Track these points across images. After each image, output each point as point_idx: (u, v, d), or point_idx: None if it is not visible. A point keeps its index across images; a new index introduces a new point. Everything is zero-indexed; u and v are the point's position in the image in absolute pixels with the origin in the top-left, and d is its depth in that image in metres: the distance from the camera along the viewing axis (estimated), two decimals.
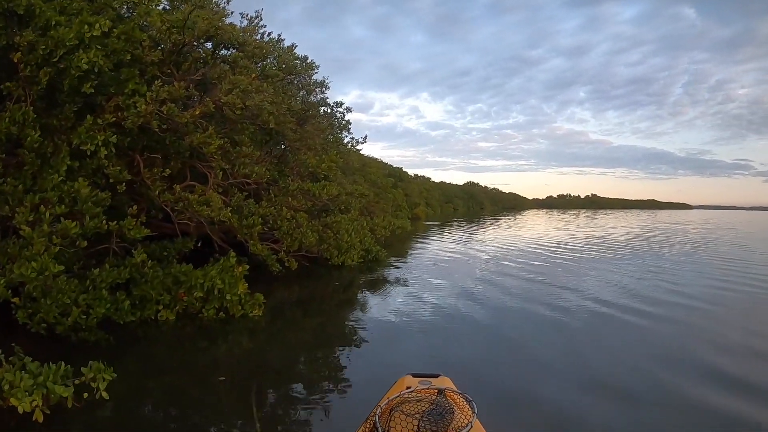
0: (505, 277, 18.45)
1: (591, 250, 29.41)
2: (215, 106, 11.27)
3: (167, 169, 11.47)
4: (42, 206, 8.35)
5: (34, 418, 5.48)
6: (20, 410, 5.42)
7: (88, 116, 9.71)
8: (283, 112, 13.60)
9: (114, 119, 10.18)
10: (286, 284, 14.61)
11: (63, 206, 8.53)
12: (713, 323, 12.22)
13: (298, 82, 18.74)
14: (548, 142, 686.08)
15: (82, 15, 9.25)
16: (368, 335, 10.57)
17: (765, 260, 26.76)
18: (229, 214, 11.28)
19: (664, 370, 8.74)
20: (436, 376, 4.80)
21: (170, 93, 10.41)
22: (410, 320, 11.80)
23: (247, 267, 11.11)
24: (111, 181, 10.08)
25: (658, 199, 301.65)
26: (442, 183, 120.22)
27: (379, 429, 3.79)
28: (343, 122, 22.73)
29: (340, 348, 9.89)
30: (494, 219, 77.84)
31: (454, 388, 4.37)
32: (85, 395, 5.82)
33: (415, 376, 4.79)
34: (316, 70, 18.95)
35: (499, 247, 30.47)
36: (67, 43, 9.06)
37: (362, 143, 24.90)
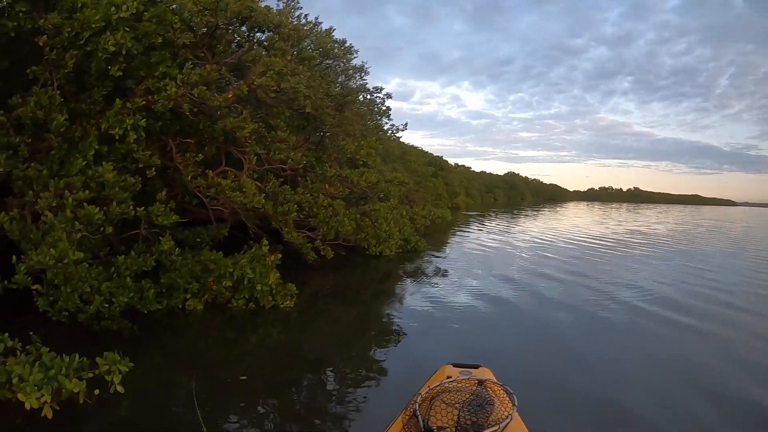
0: (545, 271, 17.96)
1: (633, 246, 28.37)
2: (249, 89, 10.86)
3: (200, 154, 11.09)
4: (66, 191, 8.11)
5: (43, 414, 5.12)
6: (27, 406, 5.06)
7: (117, 100, 9.38)
8: (321, 97, 13.19)
9: (144, 103, 9.84)
10: (321, 273, 14.23)
11: (87, 191, 8.26)
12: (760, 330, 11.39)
13: (336, 66, 18.31)
14: (591, 133, 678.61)
15: None
16: (406, 326, 10.31)
17: None
18: (263, 200, 10.87)
19: (702, 369, 8.61)
20: (476, 366, 4.91)
21: (202, 76, 10.05)
22: (449, 312, 11.55)
23: (280, 256, 10.64)
24: (140, 166, 9.72)
25: (701, 195, 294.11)
26: (483, 173, 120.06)
27: (419, 417, 3.90)
28: (383, 108, 22.31)
29: (377, 339, 9.70)
30: (534, 210, 77.19)
31: (495, 380, 4.51)
32: (96, 392, 5.45)
33: (455, 366, 4.92)
34: (354, 55, 18.54)
35: (539, 240, 29.89)
36: (93, 25, 8.77)
37: (402, 130, 24.49)
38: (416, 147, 63.65)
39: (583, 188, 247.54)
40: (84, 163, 8.67)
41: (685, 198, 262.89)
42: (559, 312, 12.06)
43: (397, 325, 10.50)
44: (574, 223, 49.79)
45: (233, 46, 13.05)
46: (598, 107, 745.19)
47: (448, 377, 4.57)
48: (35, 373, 5.21)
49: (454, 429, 3.76)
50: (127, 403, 6.09)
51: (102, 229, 8.22)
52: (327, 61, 17.29)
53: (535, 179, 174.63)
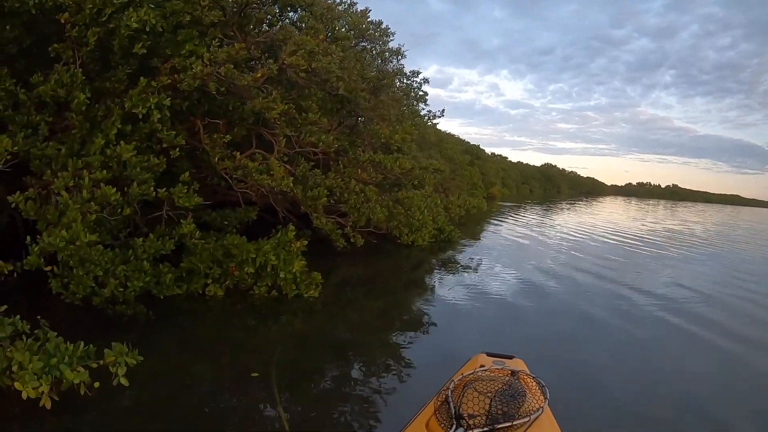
0: (579, 267, 17.54)
1: (671, 246, 27.63)
2: (279, 69, 10.46)
3: (228, 135, 10.74)
4: (85, 171, 7.82)
5: (41, 404, 4.83)
6: (24, 396, 4.77)
7: (141, 78, 9.04)
8: (355, 79, 12.73)
9: (169, 81, 9.49)
10: (350, 261, 13.88)
11: (105, 171, 7.95)
12: None
13: (372, 49, 17.86)
14: (630, 127, 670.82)
15: None
16: (436, 317, 10.18)
17: None
18: (291, 184, 10.48)
19: (735, 373, 8.69)
20: (510, 357, 4.94)
21: (229, 54, 9.65)
22: (481, 303, 11.44)
23: (306, 243, 10.29)
24: (165, 146, 9.39)
25: (742, 195, 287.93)
26: (519, 163, 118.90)
27: (451, 403, 3.96)
28: (420, 93, 21.83)
29: (407, 329, 9.56)
30: (571, 203, 76.51)
31: (528, 372, 4.49)
32: (96, 384, 5.13)
33: (489, 355, 4.96)
34: (391, 38, 18.05)
35: (574, 234, 29.16)
36: (116, 2, 8.47)
37: (439, 117, 24.03)
38: (453, 135, 63.55)
39: (621, 183, 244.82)
40: (103, 142, 8.36)
41: (724, 198, 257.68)
42: (593, 309, 11.92)
43: (428, 316, 10.32)
44: (610, 218, 48.91)
45: (264, 25, 12.63)
46: (638, 100, 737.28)
47: (482, 366, 4.59)
48: (35, 362, 4.90)
49: (484, 418, 3.79)
50: (137, 391, 5.75)
51: (120, 210, 7.96)
52: (362, 44, 16.88)
53: (572, 171, 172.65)
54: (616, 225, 39.45)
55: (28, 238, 7.18)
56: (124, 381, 5.18)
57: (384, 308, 11.10)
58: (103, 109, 9.02)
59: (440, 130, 48.48)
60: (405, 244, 14.94)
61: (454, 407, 3.92)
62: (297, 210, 12.34)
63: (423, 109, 23.26)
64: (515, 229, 28.95)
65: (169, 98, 9.20)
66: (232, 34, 11.16)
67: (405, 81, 20.88)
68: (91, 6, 8.38)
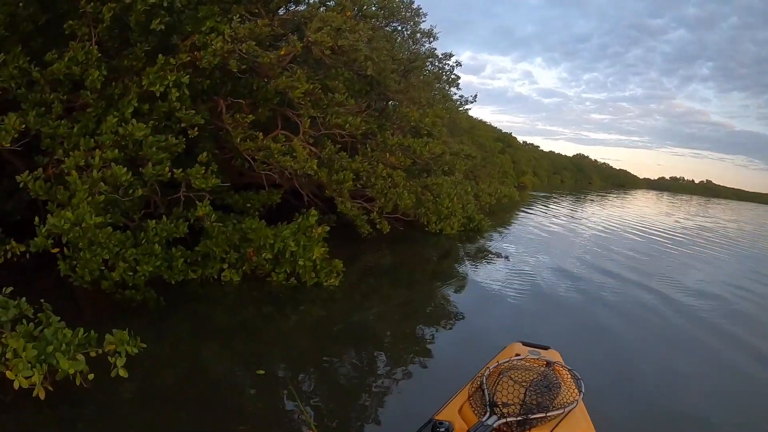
0: (611, 261, 17.20)
1: (704, 245, 26.89)
2: (304, 46, 10.06)
3: (251, 116, 10.37)
4: (98, 150, 7.55)
5: (35, 394, 4.52)
6: (15, 386, 4.47)
7: (160, 56, 8.71)
8: (384, 59, 12.30)
9: (189, 59, 9.14)
10: (376, 248, 13.49)
11: (117, 151, 7.65)
12: None
13: (403, 29, 17.46)
14: (665, 119, 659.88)
15: None
16: (466, 308, 9.92)
17: None
18: (316, 166, 10.11)
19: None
20: (546, 347, 4.99)
21: (252, 31, 9.29)
22: (510, 295, 11.14)
23: (328, 229, 9.80)
24: (183, 126, 9.04)
25: None
26: (551, 153, 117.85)
27: (486, 390, 3.95)
28: (452, 77, 21.30)
29: (434, 319, 9.22)
30: (602, 195, 75.69)
31: (563, 363, 4.50)
32: (91, 376, 4.83)
33: (525, 344, 5.04)
34: (423, 18, 17.65)
35: (605, 227, 28.66)
36: None
37: (472, 102, 23.65)
38: (485, 122, 62.87)
39: (654, 176, 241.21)
40: (115, 120, 8.01)
41: (759, 196, 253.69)
42: (626, 304, 11.77)
43: (457, 305, 10.15)
44: (641, 213, 48.23)
45: (291, 3, 12.22)
46: (675, 92, 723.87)
47: (517, 355, 4.63)
48: (29, 350, 4.59)
49: (518, 407, 3.76)
50: (140, 382, 5.43)
51: (132, 191, 7.65)
52: (393, 24, 16.50)
53: (604, 163, 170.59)
54: (649, 220, 38.57)
55: (37, 218, 6.95)
56: (123, 372, 4.88)
57: (411, 298, 10.69)
58: (120, 87, 8.71)
59: (472, 116, 47.94)
60: (433, 232, 14.48)
61: (489, 394, 3.91)
62: (323, 194, 12.01)
63: (455, 93, 22.86)
64: (546, 220, 28.38)
65: (188, 76, 8.87)
66: (257, 11, 10.76)
67: (437, 64, 20.45)
68: None
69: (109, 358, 4.92)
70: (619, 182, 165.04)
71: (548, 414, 3.75)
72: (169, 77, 8.61)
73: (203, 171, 8.51)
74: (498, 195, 19.78)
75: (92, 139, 7.81)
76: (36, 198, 7.36)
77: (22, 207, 8.58)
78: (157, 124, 8.63)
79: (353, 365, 6.97)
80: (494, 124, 71.18)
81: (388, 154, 12.01)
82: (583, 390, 4.07)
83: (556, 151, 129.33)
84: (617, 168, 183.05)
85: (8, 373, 4.46)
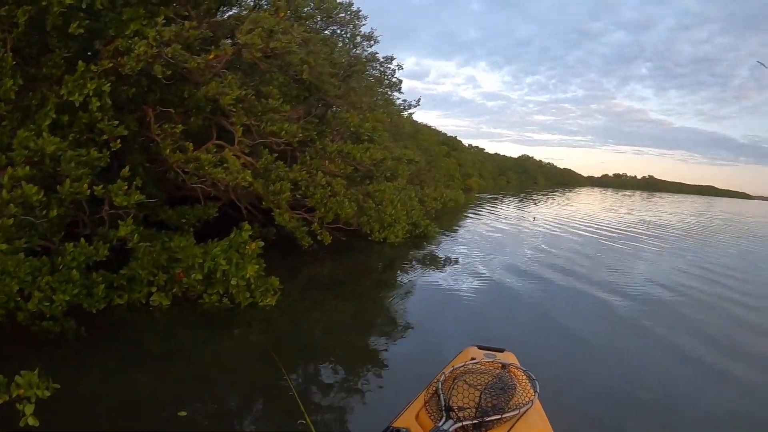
0: (558, 259, 17.56)
1: (646, 238, 27.50)
2: (235, 49, 9.47)
3: (180, 125, 9.75)
4: (9, 168, 6.78)
5: None
6: None
7: (80, 62, 8.05)
8: (321, 63, 11.77)
9: (111, 65, 8.49)
10: (318, 260, 12.95)
11: (29, 168, 6.87)
12: None
13: (342, 33, 16.93)
14: (606, 119, 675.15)
15: None
16: (417, 315, 9.77)
17: None
18: (250, 177, 9.51)
19: (723, 360, 8.76)
20: (501, 350, 4.98)
21: (178, 34, 8.69)
22: (462, 300, 11.14)
23: (262, 244, 9.08)
24: (105, 137, 8.33)
25: (716, 186, 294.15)
26: (496, 155, 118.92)
27: (441, 395, 3.94)
28: (394, 80, 20.80)
29: (384, 329, 9.08)
30: (548, 195, 76.87)
31: (518, 365, 4.55)
32: None
33: (480, 348, 5.03)
34: (364, 21, 17.13)
35: (552, 226, 29.21)
36: None
37: (415, 106, 23.27)
38: (429, 126, 62.73)
39: (597, 174, 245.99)
40: (27, 135, 7.26)
41: (699, 188, 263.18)
42: (576, 301, 12.04)
43: (408, 313, 9.95)
44: (587, 210, 49.19)
45: (221, 2, 11.56)
46: (614, 92, 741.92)
47: (473, 359, 4.66)
48: None
49: (474, 410, 3.77)
50: (56, 428, 4.76)
51: (46, 212, 6.92)
52: (333, 27, 16.02)
53: (548, 163, 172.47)
54: (592, 217, 39.39)
55: None
56: (32, 421, 4.29)
57: (358, 309, 10.38)
58: (38, 97, 8.06)
59: (416, 121, 47.87)
60: (377, 241, 13.95)
61: (444, 399, 3.89)
62: (262, 206, 11.41)
63: (398, 98, 22.44)
64: (493, 222, 28.54)
65: (109, 84, 8.22)
66: (187, 14, 10.15)
67: (379, 68, 19.96)
68: None
69: (17, 405, 4.30)
70: (564, 181, 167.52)
71: (504, 415, 3.77)
72: (89, 85, 7.98)
73: (126, 187, 7.80)
74: (444, 199, 19.27)
75: (4, 156, 7.12)
76: None
77: None
78: (78, 136, 8.06)
79: (300, 384, 6.56)
80: (439, 129, 71.02)
81: (327, 162, 11.45)
82: (538, 390, 4.10)
83: (501, 153, 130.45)
84: (561, 167, 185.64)
85: None
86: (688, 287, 14.50)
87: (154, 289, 8.20)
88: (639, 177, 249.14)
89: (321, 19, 15.28)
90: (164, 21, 8.75)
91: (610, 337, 9.59)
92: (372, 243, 14.12)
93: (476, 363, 4.50)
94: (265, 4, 11.72)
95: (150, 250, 8.15)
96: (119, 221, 7.80)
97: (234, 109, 9.76)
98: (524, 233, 24.84)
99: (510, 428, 3.72)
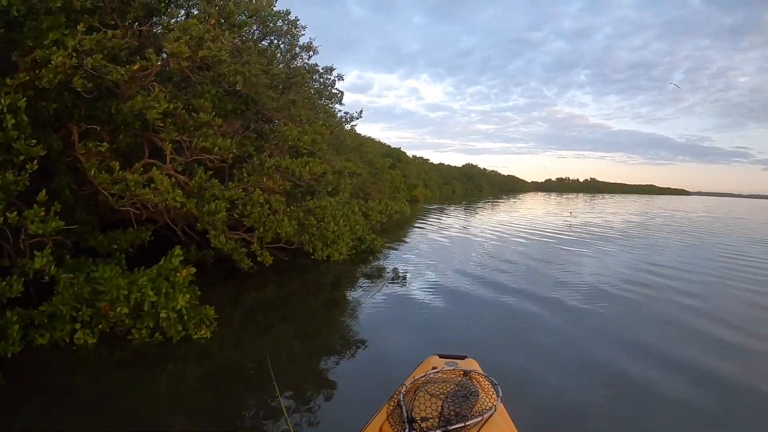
0: (506, 264, 18.00)
1: (589, 235, 29.42)
2: (160, 59, 8.80)
3: (105, 143, 8.96)
4: None
5: None
6: None
7: None
8: (257, 73, 11.15)
9: (28, 78, 7.79)
10: (260, 282, 12.38)
11: None
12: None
13: (280, 43, 16.34)
14: (547, 125, 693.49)
15: None
16: (370, 333, 9.42)
17: None
18: (181, 197, 8.85)
19: (681, 354, 8.96)
20: (462, 357, 4.97)
21: (99, 43, 8.03)
22: (414, 312, 11.07)
23: (194, 270, 8.42)
24: (21, 158, 7.56)
25: (656, 185, 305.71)
26: (441, 165, 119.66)
27: (404, 408, 3.93)
28: (333, 91, 20.25)
29: (336, 351, 8.61)
30: (493, 202, 77.60)
31: (480, 371, 4.51)
32: None
33: (441, 356, 4.99)
34: (302, 31, 16.56)
35: (499, 233, 29.19)
36: None
37: (357, 118, 22.72)
38: (373, 139, 62.67)
39: (541, 179, 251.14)
40: None
41: (640, 188, 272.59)
42: (529, 303, 12.10)
43: (361, 331, 9.62)
44: (532, 215, 49.27)
45: (149, 11, 10.79)
46: (555, 100, 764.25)
47: (434, 368, 4.62)
48: None
49: (437, 420, 3.77)
50: None
51: None
52: (270, 38, 15.46)
53: (492, 171, 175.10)
54: (537, 221, 39.72)
55: None
56: None
57: (307, 331, 9.77)
58: None
59: (360, 134, 47.72)
60: (321, 259, 13.39)
61: (407, 411, 3.89)
62: (197, 227, 10.65)
63: (339, 110, 21.92)
64: (441, 232, 28.44)
65: (26, 99, 7.51)
66: (113, 23, 9.45)
67: (319, 79, 19.40)
68: None
69: None
70: (508, 188, 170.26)
71: (467, 423, 3.76)
72: (2, 101, 7.28)
73: (43, 213, 7.08)
74: (389, 212, 18.68)
75: None
76: None
77: None
78: None
79: (248, 418, 6.19)
80: (384, 141, 71.20)
81: (265, 178, 10.77)
82: (501, 395, 4.06)
83: (446, 163, 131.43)
84: (505, 174, 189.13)
85: None
86: (636, 285, 14.91)
87: (78, 326, 7.51)
88: (581, 180, 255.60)
89: (258, 29, 14.73)
90: (85, 29, 8.07)
91: (567, 336, 9.79)
92: (317, 261, 13.46)
93: (437, 372, 4.46)
94: (197, 12, 11.07)
95: (72, 283, 7.42)
96: (35, 252, 7.06)
97: (162, 125, 9.12)
98: (470, 242, 24.74)
99: None
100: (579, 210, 58.93)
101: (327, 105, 20.24)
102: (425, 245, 22.14)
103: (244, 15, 11.63)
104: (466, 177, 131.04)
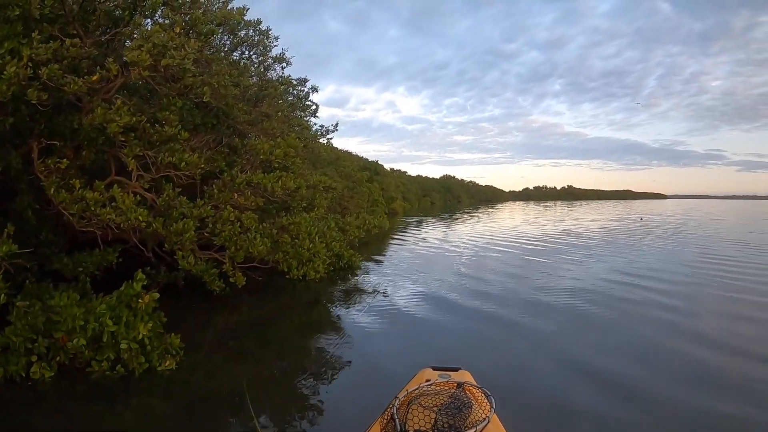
0: (488, 274, 18.00)
1: (567, 245, 28.61)
2: (118, 69, 8.22)
3: (65, 160, 8.42)
4: None
5: None
6: None
7: None
8: (225, 85, 10.63)
9: None
10: (234, 304, 11.78)
11: None
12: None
13: (252, 54, 15.84)
14: (524, 135, 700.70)
15: None
16: (344, 355, 8.96)
17: None
18: (146, 216, 8.30)
19: (684, 363, 8.80)
20: (456, 369, 4.95)
21: (57, 52, 7.52)
22: (400, 329, 10.76)
23: (157, 296, 7.77)
24: None
25: (633, 189, 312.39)
26: (419, 177, 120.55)
27: (397, 421, 4.00)
28: (307, 103, 19.69)
29: (321, 371, 8.23)
30: (472, 212, 78.05)
31: (474, 382, 4.58)
32: None
33: (435, 369, 4.98)
34: (275, 42, 16.07)
35: (479, 242, 29.94)
36: None
37: (333, 131, 22.24)
38: (351, 152, 62.68)
39: (519, 188, 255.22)
40: None
41: (617, 193, 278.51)
42: (516, 312, 12.00)
43: (339, 352, 9.11)
44: (510, 224, 49.89)
45: (113, 20, 10.23)
46: (530, 109, 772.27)
47: (427, 380, 4.58)
48: None
49: None
50: None
51: None
52: (242, 48, 15.00)
53: (471, 181, 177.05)
54: (515, 231, 40.04)
55: None
56: None
57: (286, 354, 9.32)
58: None
59: (337, 148, 47.58)
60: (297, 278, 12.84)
61: (400, 424, 3.93)
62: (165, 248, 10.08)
63: (315, 123, 21.45)
64: (420, 246, 28.07)
65: None
66: (75, 32, 8.90)
67: (293, 92, 18.86)
68: None
69: None
70: (487, 198, 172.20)
71: None
72: None
73: None
74: (368, 226, 18.23)
75: None
76: None
77: None
78: None
79: None
80: (361, 154, 71.53)
81: (236, 195, 10.20)
82: (494, 405, 4.09)
83: (424, 175, 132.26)
84: (483, 184, 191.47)
85: None
86: (622, 291, 14.87)
87: (34, 359, 6.91)
88: (558, 188, 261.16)
89: (228, 39, 14.27)
90: (46, 39, 7.56)
91: (559, 342, 9.81)
92: (294, 280, 12.96)
93: (431, 384, 4.44)
94: (162, 20, 10.54)
95: (26, 312, 6.82)
96: None
97: (125, 139, 8.58)
98: (451, 253, 24.56)
99: None
100: (557, 219, 58.80)
101: (301, 117, 19.72)
102: (404, 261, 21.70)
103: (212, 24, 11.12)
104: (444, 188, 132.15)
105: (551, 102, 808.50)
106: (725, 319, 12.04)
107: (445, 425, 3.80)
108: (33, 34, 7.53)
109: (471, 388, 4.37)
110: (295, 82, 18.26)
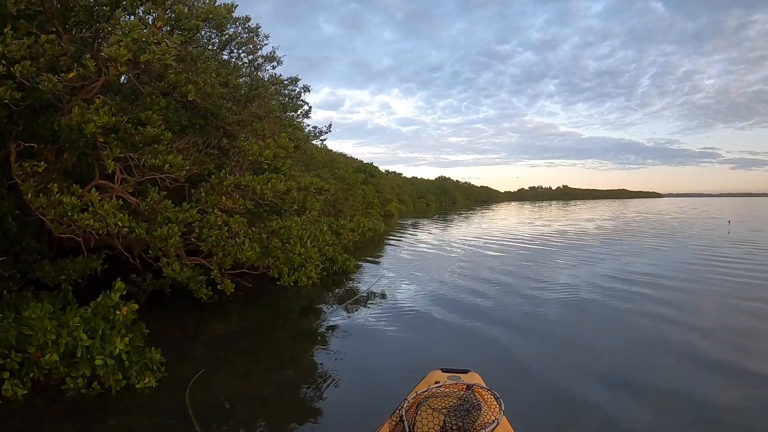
0: (488, 273, 17.96)
1: (564, 243, 29.48)
2: (96, 66, 7.78)
3: (42, 164, 7.97)
4: None
5: None
6: None
7: None
8: (211, 83, 10.22)
9: None
10: (223, 313, 11.29)
11: None
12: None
13: (240, 53, 15.47)
14: (518, 136, 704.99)
15: None
16: (344, 366, 8.42)
17: None
18: (126, 221, 7.89)
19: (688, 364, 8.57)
20: (465, 371, 4.97)
21: (31, 49, 7.11)
22: (405, 333, 10.41)
23: (136, 307, 7.20)
24: None
25: (628, 189, 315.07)
26: (414, 178, 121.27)
27: (406, 423, 3.96)
28: (298, 102, 19.36)
29: (319, 380, 7.83)
30: (468, 213, 77.99)
31: (483, 384, 4.54)
32: None
33: (444, 371, 4.98)
34: (265, 41, 15.70)
35: (474, 245, 29.41)
36: None
37: (326, 132, 21.93)
38: (345, 155, 62.71)
39: (514, 189, 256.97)
40: None
41: (612, 193, 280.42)
42: (524, 313, 11.97)
43: (338, 360, 8.73)
44: (507, 224, 50.66)
45: (93, 16, 9.78)
46: (525, 110, 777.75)
47: (437, 382, 4.54)
48: None
49: None
50: None
51: None
52: (230, 47, 14.66)
53: (466, 182, 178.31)
54: (512, 231, 40.15)
55: None
56: None
57: (279, 364, 8.83)
58: None
59: (332, 150, 47.52)
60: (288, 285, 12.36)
61: (408, 426, 3.90)
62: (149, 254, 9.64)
63: (307, 125, 21.12)
64: (417, 248, 27.79)
65: None
66: (54, 29, 8.48)
67: (284, 92, 18.48)
68: None
69: None
70: (482, 199, 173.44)
71: None
72: None
73: None
74: (362, 229, 17.78)
75: None
76: None
77: None
78: None
79: None
80: (356, 156, 71.88)
81: (224, 198, 9.76)
82: (504, 407, 4.05)
83: (419, 176, 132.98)
84: (479, 185, 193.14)
85: None
86: (630, 289, 14.80)
87: (6, 375, 6.40)
88: (554, 188, 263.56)
89: (216, 36, 13.89)
90: (19, 35, 7.16)
91: (566, 342, 9.68)
92: (285, 287, 12.51)
93: (440, 386, 4.40)
94: (145, 16, 10.12)
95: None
96: None
97: (105, 140, 8.15)
98: (449, 255, 24.37)
99: None
100: (552, 219, 58.61)
101: (293, 118, 19.32)
102: (400, 264, 21.30)
103: (197, 19, 10.70)
104: (439, 190, 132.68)
105: (545, 102, 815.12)
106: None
107: (454, 427, 3.77)
108: (5, 30, 7.13)
109: (480, 390, 4.31)
110: (286, 82, 17.90)
